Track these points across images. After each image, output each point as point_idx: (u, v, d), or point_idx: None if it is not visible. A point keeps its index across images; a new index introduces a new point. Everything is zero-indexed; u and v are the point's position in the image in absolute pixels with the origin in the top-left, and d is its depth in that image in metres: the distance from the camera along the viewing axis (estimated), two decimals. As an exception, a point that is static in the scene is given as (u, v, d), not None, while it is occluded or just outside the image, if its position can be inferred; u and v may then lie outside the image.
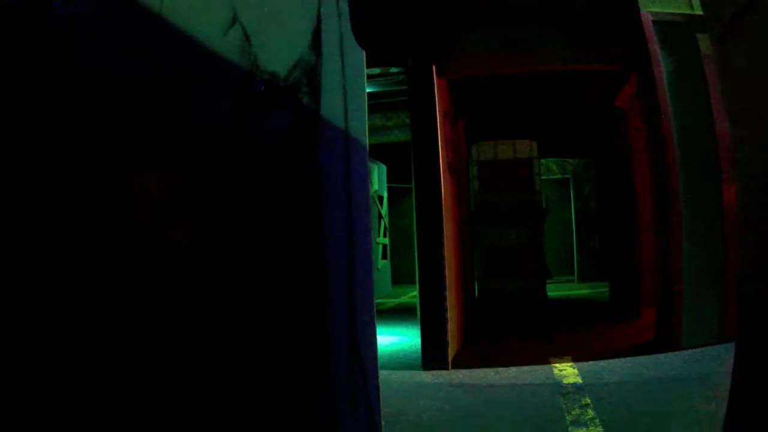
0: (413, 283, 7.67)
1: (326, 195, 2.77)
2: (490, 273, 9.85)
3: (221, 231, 1.83)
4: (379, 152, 13.74)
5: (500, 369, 5.64)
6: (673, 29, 6.06)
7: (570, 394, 4.59)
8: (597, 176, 12.14)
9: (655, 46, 5.99)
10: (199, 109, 1.74)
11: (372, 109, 9.84)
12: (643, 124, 7.14)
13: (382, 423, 3.46)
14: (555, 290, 12.52)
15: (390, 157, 14.84)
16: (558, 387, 4.83)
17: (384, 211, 15.35)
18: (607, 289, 10.47)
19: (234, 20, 1.96)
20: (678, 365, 5.23)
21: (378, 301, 11.25)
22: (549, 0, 6.29)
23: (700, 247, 5.84)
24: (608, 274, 10.32)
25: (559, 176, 16.52)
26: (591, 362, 5.64)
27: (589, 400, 4.34)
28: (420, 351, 5.97)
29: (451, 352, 5.93)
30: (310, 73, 2.61)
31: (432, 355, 5.86)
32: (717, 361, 5.07)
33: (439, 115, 6.08)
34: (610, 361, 5.66)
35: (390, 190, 16.16)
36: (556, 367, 5.57)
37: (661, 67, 5.97)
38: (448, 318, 5.88)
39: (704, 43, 5.89)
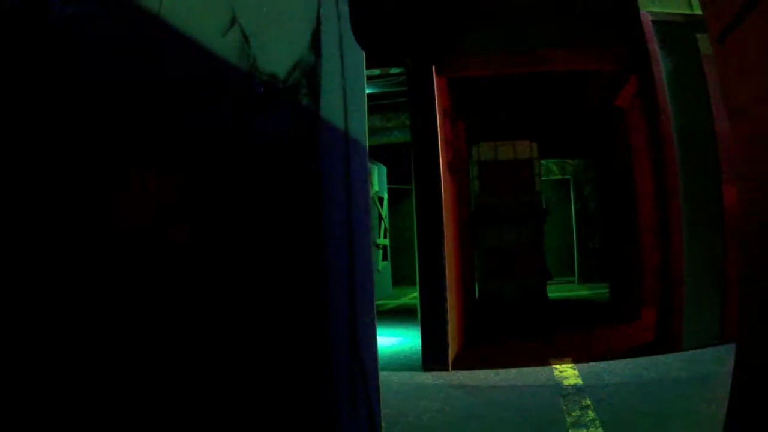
0: (414, 284, 7.67)
1: (326, 196, 2.76)
2: (491, 274, 9.85)
3: (221, 232, 1.83)
4: (379, 153, 13.75)
5: (500, 370, 5.63)
6: (672, 29, 6.05)
7: (570, 395, 4.58)
8: (597, 177, 12.14)
9: (654, 46, 5.99)
10: (198, 111, 1.74)
11: (372, 111, 9.85)
12: (642, 124, 7.14)
13: (383, 424, 3.46)
14: (555, 291, 12.52)
15: (390, 159, 14.85)
16: (558, 388, 4.83)
17: (384, 212, 15.34)
18: (607, 290, 10.47)
19: (233, 21, 1.95)
20: (678, 366, 5.22)
21: (378, 302, 11.25)
22: (549, 0, 6.29)
23: (701, 247, 5.84)
24: (608, 274, 10.32)
25: (560, 177, 16.52)
26: (591, 363, 5.63)
27: (589, 402, 4.34)
28: (420, 352, 5.97)
29: (451, 353, 5.93)
30: (309, 74, 2.61)
31: (432, 356, 5.86)
32: (718, 362, 5.06)
33: (439, 116, 6.07)
34: (611, 362, 5.65)
35: (390, 191, 16.16)
36: (556, 368, 5.56)
37: (661, 67, 5.97)
38: (449, 319, 5.87)
39: (704, 43, 5.89)
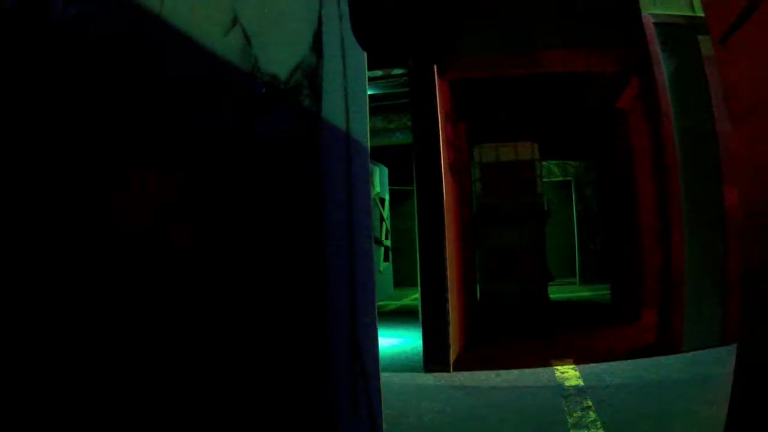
0: (415, 285, 7.67)
1: (327, 197, 2.77)
2: (492, 275, 9.85)
3: (221, 232, 1.83)
4: (380, 155, 13.75)
5: (502, 371, 5.63)
6: (674, 31, 6.05)
7: (571, 396, 4.58)
8: (598, 178, 12.12)
9: (656, 48, 5.99)
10: (199, 111, 1.74)
11: (373, 112, 9.86)
12: (644, 125, 7.14)
13: (384, 425, 3.46)
14: (556, 292, 12.51)
15: (392, 160, 14.84)
16: (559, 389, 4.83)
17: (386, 213, 15.34)
18: (608, 291, 10.46)
19: (235, 22, 1.96)
20: (679, 368, 5.22)
21: (380, 303, 11.23)
22: (550, 1, 6.29)
23: (702, 248, 5.83)
24: (610, 276, 10.31)
25: (561, 178, 16.51)
26: (592, 364, 5.63)
27: (590, 403, 4.34)
28: (421, 353, 5.97)
29: (452, 354, 5.93)
30: (311, 75, 2.62)
31: (433, 357, 5.86)
32: (718, 364, 5.05)
33: (441, 117, 6.08)
34: (612, 363, 5.65)
35: (392, 192, 16.15)
36: (557, 369, 5.56)
37: (662, 68, 5.97)
38: (450, 320, 5.87)
39: (705, 45, 5.88)
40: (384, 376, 3.60)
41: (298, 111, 2.50)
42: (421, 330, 6.00)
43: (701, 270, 5.83)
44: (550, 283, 10.36)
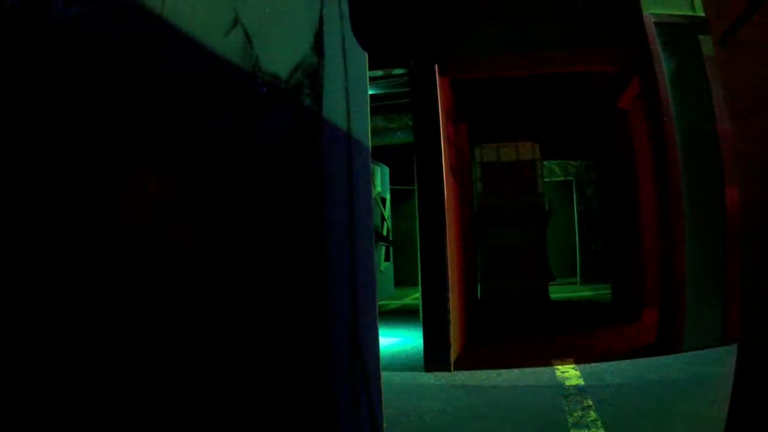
0: (416, 284, 7.69)
1: (328, 197, 2.77)
2: (493, 275, 9.85)
3: (221, 233, 1.84)
4: (382, 154, 13.75)
5: (502, 370, 5.63)
6: (675, 31, 6.05)
7: (572, 395, 4.58)
8: (599, 178, 12.13)
9: (657, 48, 5.98)
10: (200, 111, 1.74)
11: (374, 111, 9.85)
12: (645, 125, 7.14)
13: (384, 424, 3.46)
14: (557, 292, 12.51)
15: (393, 160, 14.84)
16: (560, 389, 4.83)
17: (387, 213, 15.34)
18: (609, 291, 10.46)
19: (236, 22, 1.96)
20: (680, 367, 5.22)
21: (381, 302, 11.25)
22: (551, 1, 6.29)
23: (703, 248, 5.83)
24: (610, 275, 10.31)
25: (562, 178, 16.51)
26: (593, 364, 5.63)
27: (591, 402, 4.34)
28: (422, 352, 5.97)
29: (453, 353, 5.93)
30: (312, 74, 2.62)
31: (434, 356, 5.86)
32: (719, 364, 5.05)
33: (442, 117, 6.08)
34: (612, 363, 5.65)
35: (393, 192, 16.16)
36: (558, 368, 5.56)
37: (663, 68, 5.96)
38: (451, 320, 5.88)
39: (706, 44, 5.88)
40: (385, 375, 3.61)
41: (299, 111, 2.50)
42: (421, 329, 6.00)
43: (702, 270, 5.83)
44: (550, 283, 10.36)
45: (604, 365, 5.57)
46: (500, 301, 9.74)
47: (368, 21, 3.47)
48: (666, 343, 5.97)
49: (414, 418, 4.26)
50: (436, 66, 6.07)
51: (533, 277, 9.83)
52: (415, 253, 6.48)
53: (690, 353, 5.63)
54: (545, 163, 12.67)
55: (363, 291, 3.19)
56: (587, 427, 3.80)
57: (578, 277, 15.72)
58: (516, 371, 5.60)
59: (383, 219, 14.94)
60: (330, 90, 2.84)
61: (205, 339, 1.70)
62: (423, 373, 5.74)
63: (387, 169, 15.31)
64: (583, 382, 4.97)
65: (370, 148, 3.48)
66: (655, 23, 6.03)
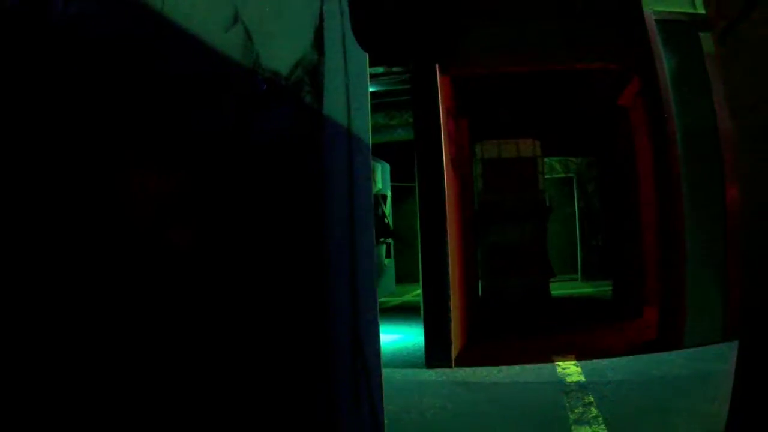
0: (417, 281, 7.69)
1: (328, 194, 2.77)
2: (494, 271, 9.86)
3: (222, 230, 1.84)
4: (382, 151, 13.72)
5: (503, 367, 5.64)
6: (675, 28, 6.04)
7: (573, 392, 4.59)
8: (600, 175, 12.13)
9: (657, 45, 5.98)
10: (200, 108, 1.74)
11: (375, 108, 9.83)
12: (646, 122, 7.13)
13: (385, 421, 3.47)
14: (558, 289, 12.50)
15: (393, 157, 14.82)
16: (561, 385, 4.83)
17: (388, 210, 15.33)
18: (610, 287, 10.46)
19: (236, 18, 1.96)
20: (681, 364, 5.23)
21: (382, 299, 11.24)
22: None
23: (703, 245, 5.83)
24: (611, 272, 10.31)
25: (563, 175, 16.49)
26: (594, 360, 5.63)
27: (592, 399, 4.34)
28: (423, 349, 5.98)
29: (454, 350, 5.94)
30: (312, 71, 2.62)
31: (435, 353, 5.87)
32: (720, 360, 5.05)
33: (443, 114, 6.07)
34: (613, 359, 5.65)
35: (393, 189, 16.14)
36: (559, 365, 5.57)
37: (664, 65, 5.96)
38: (452, 316, 5.88)
39: (707, 41, 5.87)
40: (386, 372, 3.61)
41: (299, 108, 2.50)
42: (422, 326, 6.01)
43: (703, 266, 5.82)
44: (551, 280, 10.36)
45: (605, 362, 5.57)
46: (501, 298, 9.74)
47: (368, 21, 3.47)
48: (667, 340, 5.97)
49: (415, 414, 4.27)
50: (437, 65, 6.06)
51: (534, 273, 9.83)
52: (416, 250, 6.48)
53: (691, 349, 5.62)
54: (546, 159, 12.66)
55: (364, 288, 3.19)
56: (588, 423, 3.80)
57: (579, 273, 15.70)
58: (517, 368, 5.61)
59: (384, 216, 14.92)
60: (330, 87, 2.84)
61: (206, 336, 1.70)
62: (424, 370, 5.75)
63: (388, 166, 15.30)
64: (584, 379, 4.97)
65: (370, 145, 3.48)
66: (655, 20, 6.03)
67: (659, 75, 5.96)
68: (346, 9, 3.18)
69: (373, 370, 3.30)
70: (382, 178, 14.65)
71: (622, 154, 8.72)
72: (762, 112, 2.51)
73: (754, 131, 2.62)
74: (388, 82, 9.00)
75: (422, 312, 6.10)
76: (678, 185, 5.85)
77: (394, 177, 16.06)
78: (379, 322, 3.50)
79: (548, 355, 6.03)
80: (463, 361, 6.04)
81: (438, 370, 5.70)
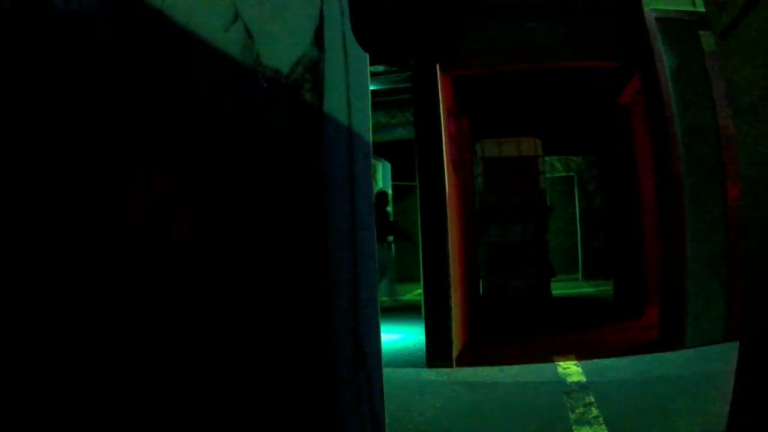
0: (418, 280, 7.68)
1: (329, 192, 2.77)
2: (495, 271, 9.86)
3: (222, 228, 1.84)
4: (383, 150, 13.72)
5: (504, 367, 5.63)
6: (675, 26, 6.04)
7: (574, 392, 4.58)
8: (600, 174, 12.11)
9: (658, 44, 5.97)
10: (200, 106, 1.74)
11: (375, 107, 9.82)
12: (646, 121, 7.13)
13: (386, 420, 3.46)
14: (559, 288, 12.50)
15: (394, 155, 14.82)
16: (562, 385, 4.83)
17: (389, 209, 15.32)
18: (611, 287, 10.45)
19: (236, 17, 1.96)
20: (682, 364, 5.22)
21: (382, 298, 11.24)
22: (552, -2, 6.30)
23: (705, 244, 5.82)
24: (612, 272, 10.30)
25: (563, 174, 16.50)
26: (595, 360, 5.63)
27: (592, 399, 4.34)
28: (424, 348, 5.97)
29: (455, 349, 5.93)
30: (312, 70, 2.61)
31: (436, 352, 5.86)
32: (721, 360, 5.04)
33: (443, 113, 6.07)
34: (614, 359, 5.65)
35: (394, 188, 16.13)
36: (560, 365, 5.56)
37: (664, 64, 5.95)
38: (453, 315, 5.88)
39: (707, 40, 5.87)
40: (386, 371, 3.61)
41: (300, 106, 2.49)
42: (423, 325, 6.00)
43: (704, 266, 5.82)
44: (552, 279, 10.36)
45: (606, 361, 5.57)
46: (502, 297, 9.74)
47: (368, 21, 3.46)
48: (668, 339, 5.97)
49: (416, 414, 4.26)
50: (437, 65, 6.06)
51: (535, 273, 9.83)
52: (417, 249, 6.47)
53: (692, 350, 5.62)
54: (547, 158, 12.67)
55: (364, 288, 3.19)
56: (589, 423, 3.80)
57: (580, 273, 15.71)
58: (518, 367, 5.60)
59: (389, 216, 14.91)
60: (331, 85, 2.84)
61: (206, 336, 1.70)
62: (425, 369, 5.74)
63: (388, 165, 15.29)
64: (585, 379, 4.97)
65: (371, 144, 3.48)
66: (655, 19, 6.02)
67: (659, 73, 5.96)
68: (346, 8, 3.17)
69: (374, 369, 3.30)
70: (382, 177, 14.64)
71: (622, 152, 8.72)
72: (763, 109, 2.50)
73: (755, 129, 2.62)
74: (389, 80, 9.00)
75: (423, 311, 6.10)
76: (679, 184, 5.85)
77: (395, 176, 16.06)
78: (380, 321, 3.50)
79: (549, 354, 6.03)
80: (464, 360, 6.04)
81: (439, 369, 5.70)
